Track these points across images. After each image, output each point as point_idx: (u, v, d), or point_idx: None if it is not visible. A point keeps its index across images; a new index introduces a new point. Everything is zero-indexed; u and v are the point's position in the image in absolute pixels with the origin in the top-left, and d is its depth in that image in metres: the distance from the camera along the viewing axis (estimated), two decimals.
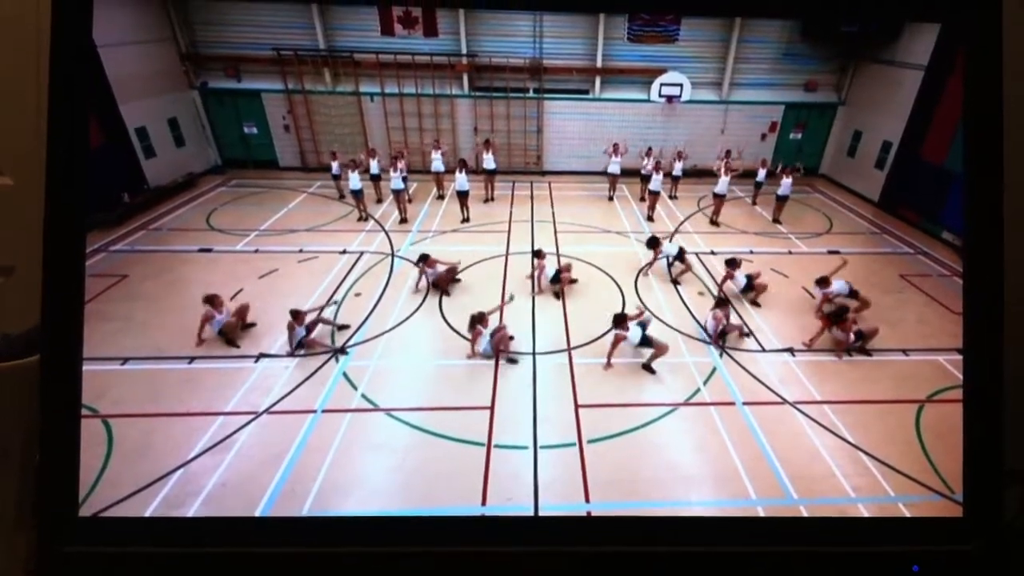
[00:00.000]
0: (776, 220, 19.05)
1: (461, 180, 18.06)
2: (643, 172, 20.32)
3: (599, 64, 22.71)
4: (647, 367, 11.18)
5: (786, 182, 18.20)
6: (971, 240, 3.90)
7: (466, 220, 18.64)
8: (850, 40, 21.98)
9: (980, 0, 3.72)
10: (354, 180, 17.72)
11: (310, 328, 11.51)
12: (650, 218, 19.26)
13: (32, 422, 3.72)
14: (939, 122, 18.40)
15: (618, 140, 20.92)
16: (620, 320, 11.14)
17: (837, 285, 12.94)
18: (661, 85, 22.82)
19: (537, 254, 13.72)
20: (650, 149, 20.60)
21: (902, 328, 12.62)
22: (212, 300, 11.51)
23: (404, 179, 17.99)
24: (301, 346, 11.39)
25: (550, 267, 13.72)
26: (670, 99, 23.08)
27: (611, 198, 21.41)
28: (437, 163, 19.98)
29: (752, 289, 13.60)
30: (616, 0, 4.34)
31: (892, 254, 16.84)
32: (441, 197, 20.79)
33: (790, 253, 16.75)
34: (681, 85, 22.81)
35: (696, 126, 23.83)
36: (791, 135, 24.41)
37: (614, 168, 20.73)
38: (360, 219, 18.52)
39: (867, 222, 19.70)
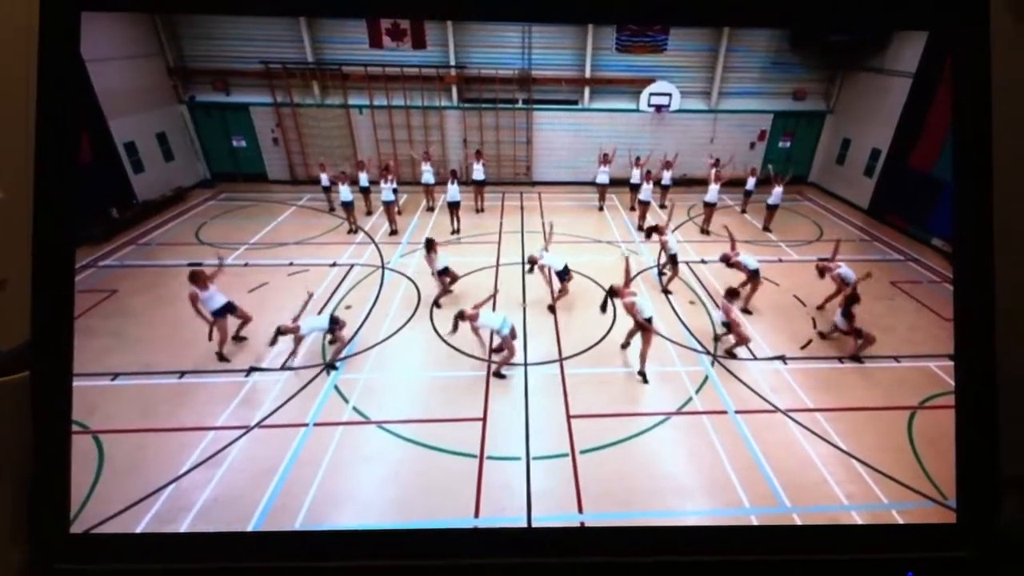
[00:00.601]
0: (767, 228, 19.14)
1: (452, 191, 18.06)
2: (632, 182, 20.41)
3: (588, 74, 22.82)
4: (641, 374, 11.20)
5: (777, 191, 18.32)
6: (961, 245, 3.91)
7: (456, 232, 18.65)
8: (838, 49, 22.11)
9: (967, 7, 3.74)
10: (344, 192, 17.76)
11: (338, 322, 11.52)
12: (640, 228, 19.23)
13: (22, 438, 3.69)
14: (928, 129, 18.51)
15: (607, 149, 21.04)
16: (615, 292, 11.23)
17: (845, 270, 13.08)
18: (650, 95, 22.93)
19: (531, 260, 13.69)
20: (639, 158, 20.64)
21: (893, 335, 12.65)
22: (195, 277, 11.17)
23: (394, 191, 17.99)
24: (335, 340, 11.50)
25: (550, 261, 13.55)
26: (659, 108, 23.18)
27: (601, 208, 21.48)
28: (427, 175, 20.02)
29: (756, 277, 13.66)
30: (604, 11, 4.35)
31: (882, 261, 16.89)
32: (431, 209, 20.80)
33: (780, 261, 16.80)
34: (670, 94, 22.93)
35: (685, 135, 23.93)
36: (780, 143, 24.58)
37: (603, 178, 20.84)
38: (350, 231, 18.50)
39: (857, 229, 19.80)
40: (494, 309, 12.55)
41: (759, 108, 23.95)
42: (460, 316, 10.95)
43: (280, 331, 10.86)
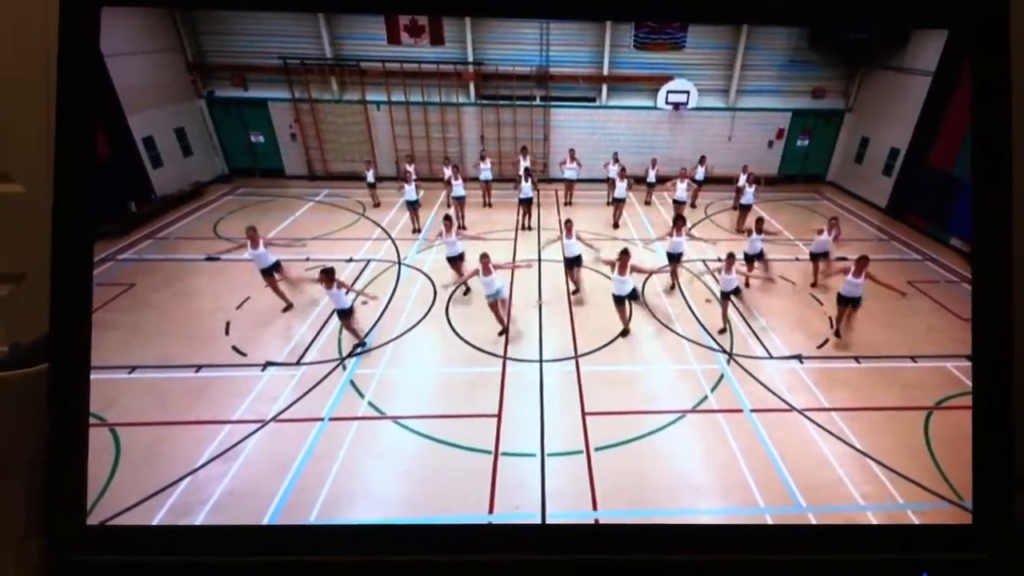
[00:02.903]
0: (739, 230, 18.75)
1: (526, 189, 18.22)
2: (609, 176, 20.53)
3: (606, 72, 22.76)
4: (625, 325, 12.28)
5: (749, 191, 18.23)
6: (979, 246, 3.88)
7: (528, 228, 18.86)
8: (857, 47, 21.94)
9: (986, 8, 3.70)
10: (410, 192, 17.78)
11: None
12: (616, 225, 19.35)
13: (41, 430, 3.72)
14: (947, 128, 18.37)
15: (575, 147, 21.45)
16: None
17: (821, 238, 14.32)
18: (668, 92, 22.83)
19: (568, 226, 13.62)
20: (616, 156, 20.71)
21: (910, 335, 12.57)
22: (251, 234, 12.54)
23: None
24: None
25: (568, 245, 13.62)
26: (677, 106, 23.07)
27: (568, 203, 21.60)
28: (486, 172, 20.08)
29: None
30: (623, 8, 4.31)
31: (900, 260, 16.78)
32: (489, 205, 20.80)
33: (797, 260, 16.69)
34: (688, 92, 22.81)
35: (703, 133, 23.85)
36: (798, 142, 24.42)
37: (569, 174, 20.86)
38: (415, 230, 18.51)
39: (875, 228, 19.67)
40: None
41: (777, 106, 23.81)
42: (484, 257, 11.71)
43: (328, 274, 11.07)
